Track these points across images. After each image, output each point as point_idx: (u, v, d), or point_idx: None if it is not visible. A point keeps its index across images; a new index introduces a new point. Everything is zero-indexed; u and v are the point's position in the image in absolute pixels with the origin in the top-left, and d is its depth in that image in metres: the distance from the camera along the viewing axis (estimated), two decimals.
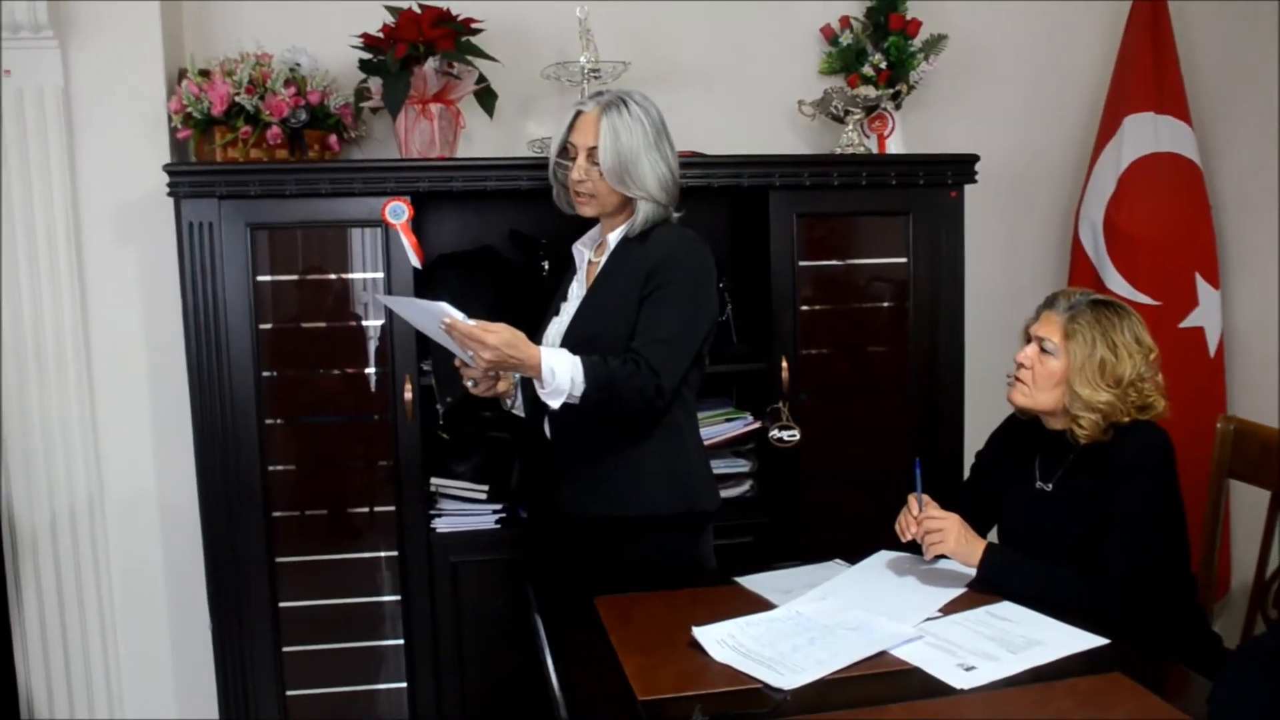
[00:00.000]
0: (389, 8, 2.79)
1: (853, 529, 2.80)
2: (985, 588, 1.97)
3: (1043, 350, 2.10)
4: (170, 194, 2.58)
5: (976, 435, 2.54)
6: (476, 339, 1.96)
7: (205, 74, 2.75)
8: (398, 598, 2.77)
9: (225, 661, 2.72)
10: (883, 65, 3.16)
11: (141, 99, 2.79)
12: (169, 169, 2.59)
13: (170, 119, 2.78)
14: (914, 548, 2.09)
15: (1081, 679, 1.63)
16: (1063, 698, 1.58)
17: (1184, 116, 3.25)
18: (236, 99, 2.69)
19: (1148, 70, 3.23)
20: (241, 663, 2.72)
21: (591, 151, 2.17)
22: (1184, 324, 3.24)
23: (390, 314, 2.66)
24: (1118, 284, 3.21)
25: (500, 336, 1.97)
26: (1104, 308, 2.09)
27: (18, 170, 2.72)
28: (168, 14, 2.82)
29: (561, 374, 2.01)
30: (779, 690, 1.61)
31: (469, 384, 2.19)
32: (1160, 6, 3.25)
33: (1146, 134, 3.23)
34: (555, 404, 2.04)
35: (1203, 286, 3.24)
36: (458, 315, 1.97)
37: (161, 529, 2.94)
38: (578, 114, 2.23)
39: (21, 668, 2.87)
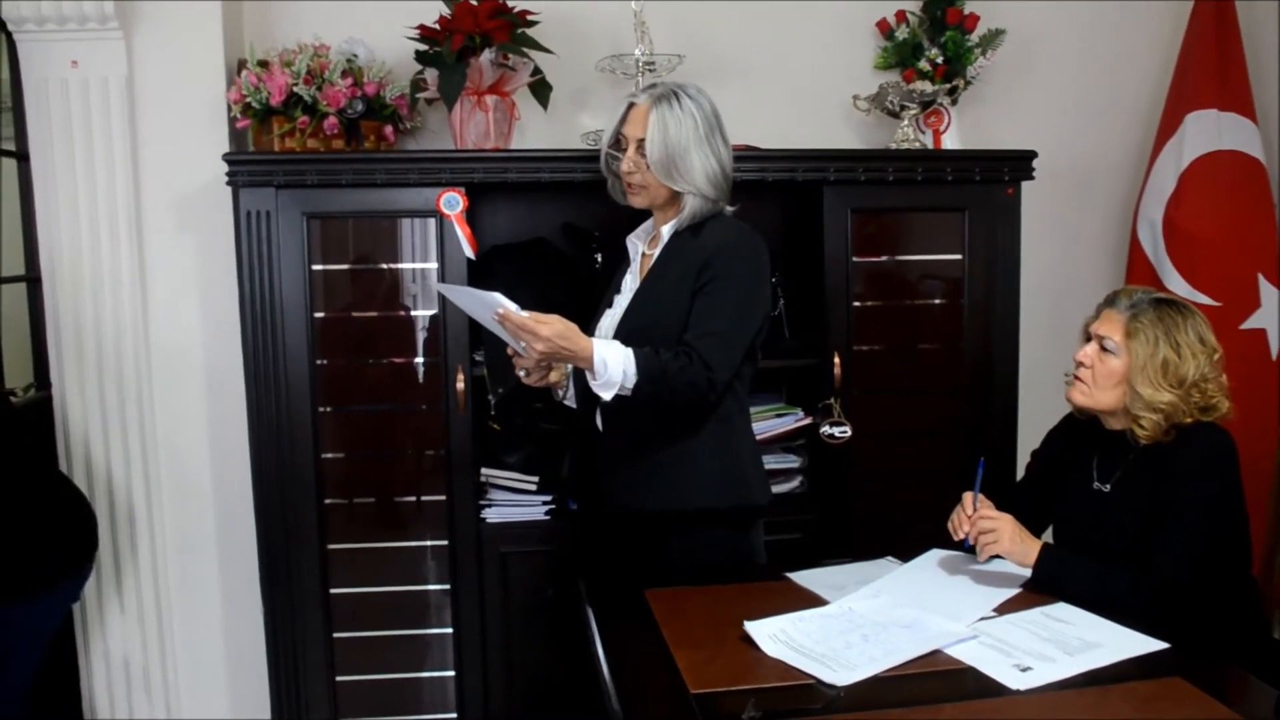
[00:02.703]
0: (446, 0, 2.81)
1: (903, 527, 2.80)
2: (1040, 588, 1.95)
3: (1103, 349, 2.07)
4: (229, 183, 2.62)
5: (1030, 435, 2.51)
6: (529, 330, 1.97)
7: (264, 65, 2.78)
8: (447, 587, 2.79)
9: (277, 646, 2.76)
10: (939, 60, 3.13)
11: (202, 89, 2.83)
12: (228, 158, 2.62)
13: (229, 109, 2.81)
14: (966, 547, 2.07)
15: (1140, 683, 1.60)
16: (1120, 701, 1.55)
17: (1249, 113, 3.19)
18: (294, 89, 2.72)
19: (1211, 65, 3.17)
20: (293, 647, 2.75)
21: (641, 143, 2.17)
22: (1245, 325, 3.18)
23: (444, 304, 2.68)
24: (1177, 284, 3.15)
25: (553, 328, 1.98)
26: (1167, 306, 2.05)
27: (82, 158, 2.77)
28: (228, 6, 2.86)
29: (613, 366, 2.01)
30: (832, 686, 1.60)
31: (521, 374, 2.20)
32: None
33: (1209, 131, 3.17)
34: (607, 396, 2.04)
35: (1265, 287, 3.18)
36: (511, 306, 1.97)
37: (215, 514, 2.98)
38: (630, 105, 2.22)
39: (81, 647, 2.93)
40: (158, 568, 2.94)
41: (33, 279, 2.89)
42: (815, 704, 1.55)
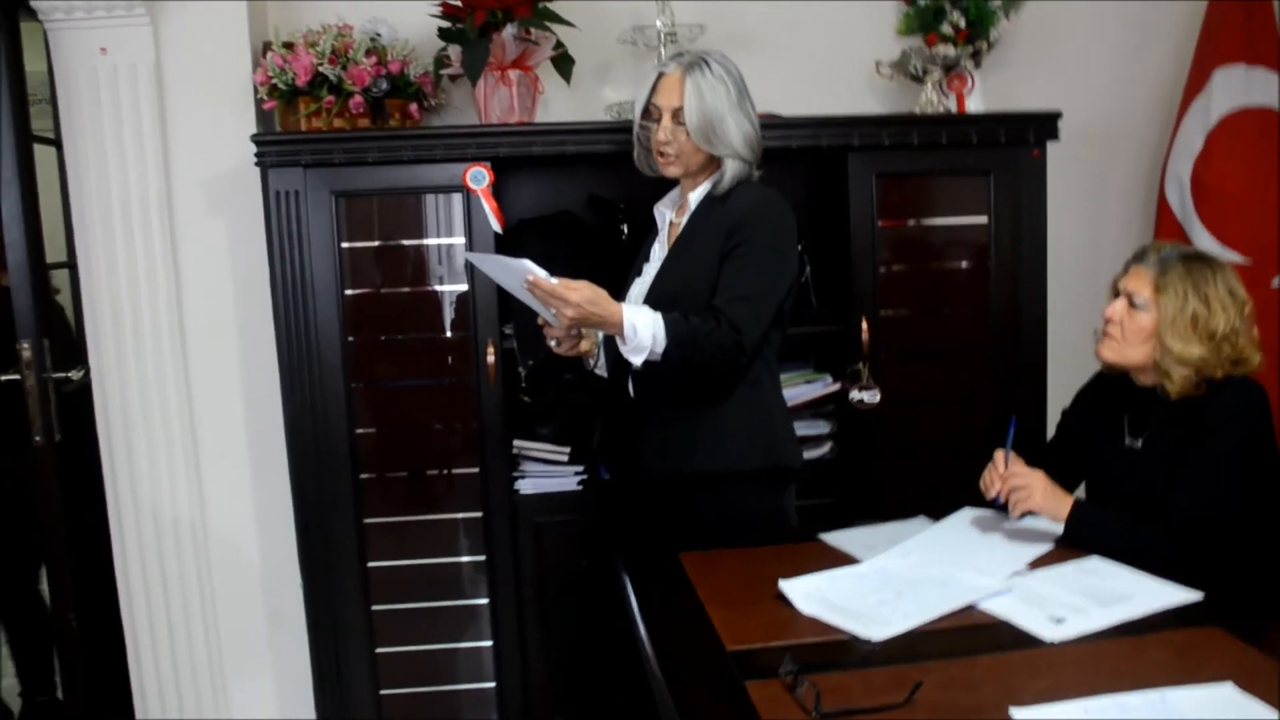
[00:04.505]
0: None
1: (933, 490, 2.78)
2: (1073, 544, 1.96)
3: (1132, 305, 2.06)
4: (257, 163, 2.65)
5: (1060, 395, 2.51)
6: (559, 296, 1.99)
7: (289, 46, 2.80)
8: (482, 558, 2.82)
9: (317, 620, 2.80)
10: (961, 23, 3.09)
11: (228, 72, 2.85)
12: (256, 139, 2.65)
13: (256, 90, 2.83)
14: (997, 505, 2.08)
15: (1176, 632, 1.61)
16: (1157, 649, 1.56)
17: (1278, 67, 3.15)
18: (320, 69, 2.74)
19: (1239, 19, 3.12)
20: (333, 620, 2.80)
21: (677, 112, 2.18)
22: (1276, 283, 3.15)
23: (472, 278, 2.71)
24: (1206, 242, 3.12)
25: (582, 294, 2.00)
26: (1195, 260, 2.04)
27: (113, 144, 2.80)
28: None
29: (643, 330, 2.03)
30: (867, 641, 1.62)
31: (552, 343, 2.23)
32: None
33: (1238, 87, 3.13)
34: (637, 361, 2.06)
35: None
36: (540, 272, 1.99)
37: (253, 492, 3.02)
38: (660, 76, 2.23)
39: (128, 621, 2.98)
40: (198, 547, 2.98)
41: (72, 265, 2.94)
42: (851, 658, 1.57)
